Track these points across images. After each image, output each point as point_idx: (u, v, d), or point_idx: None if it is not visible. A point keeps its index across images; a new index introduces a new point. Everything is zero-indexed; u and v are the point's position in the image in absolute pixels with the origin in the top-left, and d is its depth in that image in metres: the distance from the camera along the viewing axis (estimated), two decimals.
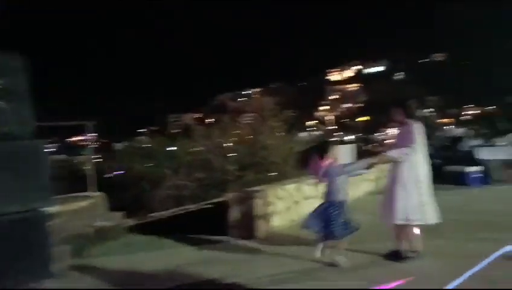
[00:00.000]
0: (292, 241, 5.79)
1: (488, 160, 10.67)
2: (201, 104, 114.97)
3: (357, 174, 5.12)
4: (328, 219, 4.54)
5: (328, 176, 4.64)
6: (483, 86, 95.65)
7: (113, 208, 6.98)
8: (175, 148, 13.01)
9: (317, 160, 4.68)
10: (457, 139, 14.13)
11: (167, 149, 13.45)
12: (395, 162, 4.76)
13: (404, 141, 4.80)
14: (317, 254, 4.70)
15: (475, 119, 69.56)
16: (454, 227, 6.09)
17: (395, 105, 4.98)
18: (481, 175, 10.47)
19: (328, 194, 4.66)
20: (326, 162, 4.66)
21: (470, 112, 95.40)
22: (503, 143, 11.26)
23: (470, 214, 7.20)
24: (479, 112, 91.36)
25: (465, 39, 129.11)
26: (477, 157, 10.72)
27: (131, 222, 7.14)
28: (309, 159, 4.77)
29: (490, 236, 5.63)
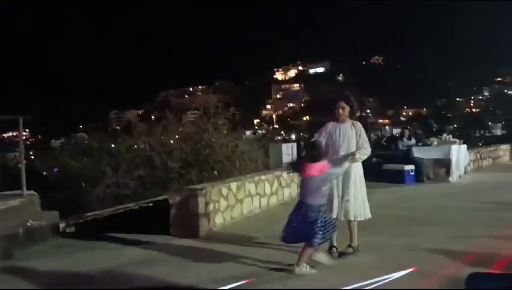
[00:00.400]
0: (235, 240, 5.77)
1: (421, 159, 11.21)
2: (144, 100, 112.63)
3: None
4: (323, 224, 4.26)
5: (325, 181, 4.34)
6: (417, 89, 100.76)
7: (48, 207, 6.62)
8: (116, 145, 12.65)
9: (313, 164, 4.31)
10: (394, 139, 14.76)
11: (107, 146, 13.05)
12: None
13: (350, 139, 4.87)
14: (327, 260, 4.42)
15: (410, 120, 73.06)
16: (390, 222, 6.36)
17: (345, 102, 4.92)
18: (415, 173, 10.99)
19: (317, 198, 4.30)
20: (320, 166, 4.31)
21: (406, 112, 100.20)
22: (435, 143, 11.85)
23: (403, 210, 7.54)
24: (411, 113, 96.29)
25: (402, 43, 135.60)
26: (412, 156, 11.24)
27: (66, 221, 6.82)
28: (304, 163, 4.40)
29: (422, 231, 5.93)
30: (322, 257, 4.42)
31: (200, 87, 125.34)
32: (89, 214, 7.51)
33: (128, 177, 10.63)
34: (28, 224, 5.84)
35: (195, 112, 13.39)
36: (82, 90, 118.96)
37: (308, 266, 4.32)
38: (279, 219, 6.81)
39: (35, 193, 6.38)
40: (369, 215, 4.94)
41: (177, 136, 12.35)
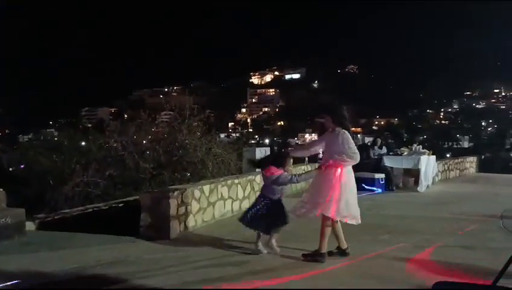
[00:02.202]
0: (206, 243, 5.75)
1: (391, 168, 11.45)
2: (117, 98, 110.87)
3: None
4: (273, 214, 5.15)
5: (276, 183, 5.14)
6: (389, 99, 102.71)
7: (14, 204, 6.44)
8: (87, 143, 12.43)
9: (273, 168, 5.14)
10: (366, 147, 15.00)
11: (78, 143, 12.81)
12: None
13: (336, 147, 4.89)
14: (262, 249, 5.14)
15: (382, 130, 74.44)
16: (358, 230, 6.41)
17: (327, 112, 5.07)
18: (385, 182, 11.20)
19: (272, 193, 5.22)
20: (279, 172, 5.12)
21: (379, 122, 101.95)
22: (405, 153, 12.11)
23: (372, 218, 7.62)
24: (383, 123, 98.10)
25: (376, 53, 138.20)
26: (383, 165, 11.45)
27: (33, 219, 6.64)
28: (266, 165, 5.24)
29: (390, 239, 6.04)
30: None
31: (175, 87, 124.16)
32: (57, 212, 7.34)
33: (98, 177, 10.45)
34: None
35: (170, 112, 13.29)
36: (53, 85, 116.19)
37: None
38: None
39: (1, 189, 6.19)
40: None
41: (150, 137, 12.24)
